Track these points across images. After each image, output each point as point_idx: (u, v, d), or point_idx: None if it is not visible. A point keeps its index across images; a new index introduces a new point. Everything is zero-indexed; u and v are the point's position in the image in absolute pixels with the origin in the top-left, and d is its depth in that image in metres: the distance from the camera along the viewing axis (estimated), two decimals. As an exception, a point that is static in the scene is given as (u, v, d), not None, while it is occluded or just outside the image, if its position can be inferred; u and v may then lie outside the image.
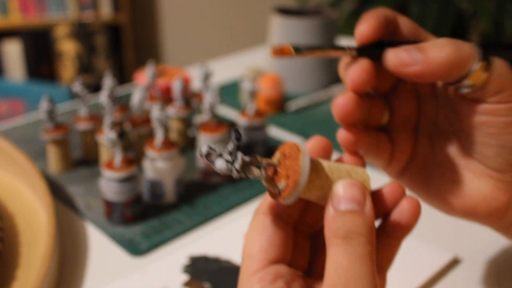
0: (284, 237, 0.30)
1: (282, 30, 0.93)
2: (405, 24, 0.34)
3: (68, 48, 2.13)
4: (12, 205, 0.58)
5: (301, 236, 0.33)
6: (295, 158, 0.27)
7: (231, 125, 0.24)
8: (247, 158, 0.27)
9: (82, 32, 2.14)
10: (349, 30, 1.77)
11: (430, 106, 0.36)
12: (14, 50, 2.17)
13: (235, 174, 0.26)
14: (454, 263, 0.51)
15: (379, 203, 0.31)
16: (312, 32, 0.92)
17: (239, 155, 0.26)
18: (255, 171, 0.27)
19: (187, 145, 0.73)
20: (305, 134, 0.78)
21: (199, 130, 0.64)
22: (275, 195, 0.28)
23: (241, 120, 0.67)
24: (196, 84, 0.94)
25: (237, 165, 0.26)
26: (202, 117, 0.65)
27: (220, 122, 0.65)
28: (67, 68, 2.15)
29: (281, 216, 0.31)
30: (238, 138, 0.26)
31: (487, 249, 0.52)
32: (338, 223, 0.27)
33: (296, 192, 0.27)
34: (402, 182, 0.38)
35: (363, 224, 0.27)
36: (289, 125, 0.80)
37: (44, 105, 0.63)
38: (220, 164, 0.26)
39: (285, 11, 0.98)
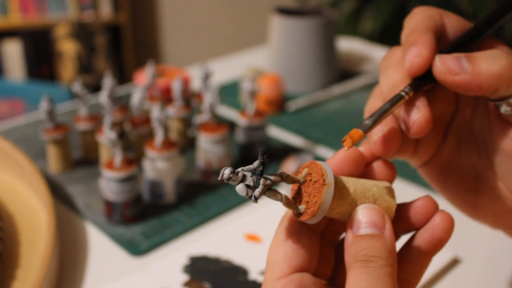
0: (310, 245, 0.30)
1: (282, 30, 0.93)
2: (452, 26, 0.33)
3: (68, 48, 2.13)
4: (12, 205, 0.58)
5: (326, 244, 0.32)
6: (319, 190, 0.27)
7: (260, 147, 0.24)
8: (271, 178, 0.26)
9: (82, 32, 2.14)
10: (349, 30, 1.77)
11: (468, 109, 0.35)
12: (14, 50, 2.17)
13: (253, 200, 0.26)
14: (454, 263, 0.51)
15: (411, 218, 0.30)
16: (312, 32, 0.92)
17: (261, 181, 0.26)
18: (277, 196, 0.27)
19: (187, 145, 0.73)
20: (305, 134, 0.78)
21: (199, 130, 0.64)
22: (294, 214, 0.28)
23: (241, 120, 0.67)
24: (196, 84, 0.94)
25: (257, 192, 0.26)
26: (202, 117, 0.65)
27: (220, 122, 0.65)
28: (67, 68, 2.15)
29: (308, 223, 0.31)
30: (263, 163, 0.26)
31: (487, 249, 0.52)
32: (357, 247, 0.27)
33: (313, 220, 0.27)
34: (420, 172, 0.37)
35: (382, 247, 0.26)
36: (289, 125, 0.80)
37: (44, 105, 0.63)
38: (239, 189, 0.26)
39: (285, 11, 0.98)
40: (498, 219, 0.35)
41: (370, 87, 0.94)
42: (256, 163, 0.26)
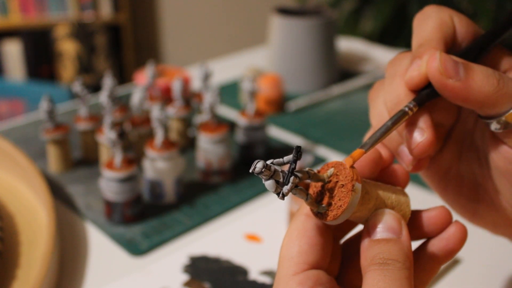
0: (324, 242, 0.29)
1: (282, 30, 0.93)
2: (461, 31, 0.32)
3: (68, 48, 2.13)
4: (12, 205, 0.58)
5: (334, 242, 0.32)
6: (346, 194, 0.27)
7: (296, 146, 0.24)
8: (299, 175, 0.26)
9: (82, 32, 2.14)
10: (349, 30, 1.77)
11: (470, 119, 0.34)
12: (14, 50, 2.17)
13: (280, 197, 0.26)
14: (454, 263, 0.51)
15: (425, 226, 0.30)
16: (312, 32, 0.92)
17: (291, 179, 0.25)
18: (303, 194, 0.26)
19: (187, 145, 0.73)
20: (305, 134, 0.78)
21: (199, 130, 0.64)
22: (313, 213, 0.28)
23: (241, 120, 0.67)
24: (196, 84, 0.94)
25: (286, 190, 0.25)
26: (202, 117, 0.65)
27: (220, 122, 0.65)
28: (67, 68, 2.15)
29: None
30: (296, 160, 0.25)
31: (487, 249, 0.52)
32: (374, 251, 0.27)
33: (333, 223, 0.27)
34: (421, 175, 0.37)
35: (399, 251, 0.27)
36: (289, 125, 0.80)
37: (44, 105, 0.63)
38: (269, 185, 0.25)
39: (285, 11, 0.98)
40: (497, 228, 0.35)
41: (370, 87, 0.94)
42: (286, 158, 0.26)
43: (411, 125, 0.30)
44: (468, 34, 0.32)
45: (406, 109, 0.29)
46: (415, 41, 0.32)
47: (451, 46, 0.32)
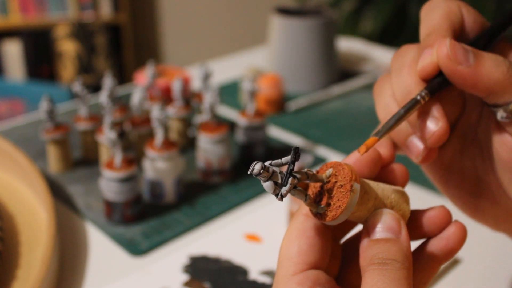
0: (323, 242, 0.29)
1: (282, 30, 0.93)
2: (469, 22, 0.32)
3: (68, 48, 2.13)
4: (12, 205, 0.58)
5: (334, 242, 0.32)
6: (344, 195, 0.27)
7: (294, 146, 0.23)
8: (298, 175, 0.26)
9: (82, 32, 2.14)
10: (349, 30, 1.77)
11: (474, 113, 0.34)
12: (14, 50, 2.17)
13: (278, 198, 0.26)
14: (454, 263, 0.51)
15: (424, 226, 0.30)
16: (312, 32, 0.92)
17: (290, 180, 0.25)
18: (302, 195, 0.26)
19: (187, 145, 0.73)
20: (305, 134, 0.78)
21: (199, 130, 0.64)
22: (312, 213, 0.28)
23: (241, 120, 0.67)
24: (196, 84, 0.94)
25: (284, 191, 0.25)
26: (202, 117, 0.65)
27: (220, 122, 0.65)
28: (67, 68, 2.15)
29: None
30: (294, 161, 0.25)
31: (487, 249, 0.53)
32: (373, 251, 0.27)
33: (332, 223, 0.27)
34: (423, 169, 0.37)
35: (398, 251, 0.27)
36: (289, 125, 0.80)
37: (44, 105, 0.63)
38: (267, 186, 0.25)
39: (285, 11, 0.98)
40: (499, 223, 0.35)
41: (370, 87, 0.94)
42: (285, 160, 0.26)
43: (424, 114, 0.30)
44: (476, 25, 0.32)
45: (418, 97, 0.29)
46: (423, 30, 0.32)
47: (459, 36, 0.32)
